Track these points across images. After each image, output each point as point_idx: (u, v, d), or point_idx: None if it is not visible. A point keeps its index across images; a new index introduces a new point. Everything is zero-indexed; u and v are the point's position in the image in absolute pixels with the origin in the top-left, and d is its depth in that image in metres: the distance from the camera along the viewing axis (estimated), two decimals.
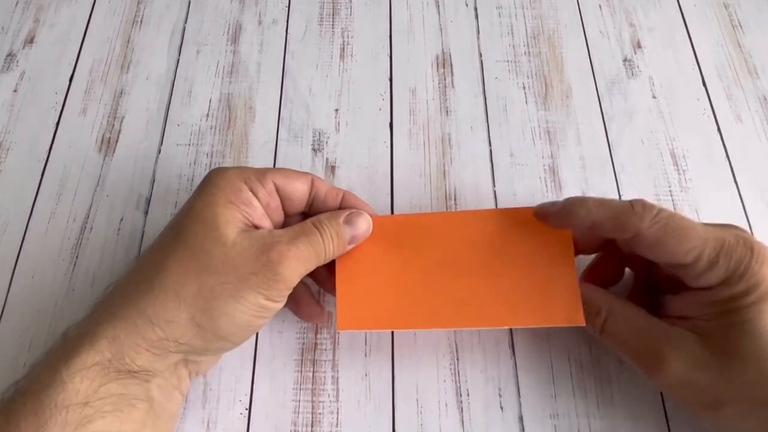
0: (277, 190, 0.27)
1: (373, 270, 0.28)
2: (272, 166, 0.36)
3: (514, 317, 0.27)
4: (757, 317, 0.23)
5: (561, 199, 0.28)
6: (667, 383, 0.24)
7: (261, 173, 0.27)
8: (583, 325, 0.26)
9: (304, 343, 0.31)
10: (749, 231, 0.34)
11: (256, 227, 0.26)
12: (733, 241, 0.24)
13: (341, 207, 0.28)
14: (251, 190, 0.26)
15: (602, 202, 0.26)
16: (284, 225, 0.29)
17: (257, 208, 0.26)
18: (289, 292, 0.25)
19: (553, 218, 0.27)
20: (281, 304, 0.26)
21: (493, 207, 0.34)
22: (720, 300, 0.24)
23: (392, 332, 0.31)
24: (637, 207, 0.25)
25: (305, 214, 0.29)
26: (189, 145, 0.36)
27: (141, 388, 0.23)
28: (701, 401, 0.24)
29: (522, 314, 0.27)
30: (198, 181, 0.35)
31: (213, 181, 0.26)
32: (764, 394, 0.23)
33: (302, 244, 0.25)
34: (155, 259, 0.24)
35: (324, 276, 0.30)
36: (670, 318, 0.26)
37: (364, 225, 0.28)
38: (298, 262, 0.25)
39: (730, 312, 0.23)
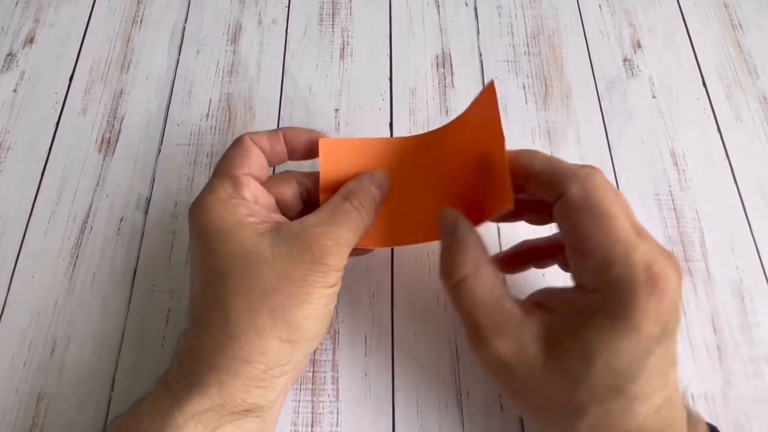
0: (251, 176, 0.26)
1: None
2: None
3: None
4: (604, 345, 0.21)
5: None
6: (488, 361, 0.23)
7: (229, 178, 0.26)
8: (512, 207, 0.23)
9: None
10: (749, 229, 0.34)
11: (275, 221, 0.25)
12: (642, 262, 0.21)
13: (288, 147, 0.28)
14: (243, 198, 0.25)
15: (549, 157, 0.25)
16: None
17: (258, 210, 0.26)
18: (342, 272, 0.25)
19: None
20: (340, 284, 0.26)
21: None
22: (586, 306, 0.22)
23: (392, 332, 0.31)
24: (580, 172, 0.23)
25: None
26: (189, 145, 0.36)
27: (254, 424, 0.24)
28: (506, 388, 0.24)
29: (471, 215, 0.26)
30: (198, 181, 0.35)
31: (205, 218, 0.25)
32: (554, 411, 0.22)
33: (341, 228, 0.25)
34: (217, 307, 0.24)
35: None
36: (531, 299, 0.25)
37: (387, 182, 0.28)
38: (341, 246, 0.24)
39: (587, 324, 0.21)
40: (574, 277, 0.24)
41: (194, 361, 0.23)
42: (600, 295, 0.22)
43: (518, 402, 0.25)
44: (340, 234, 0.25)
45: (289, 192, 0.28)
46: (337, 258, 0.24)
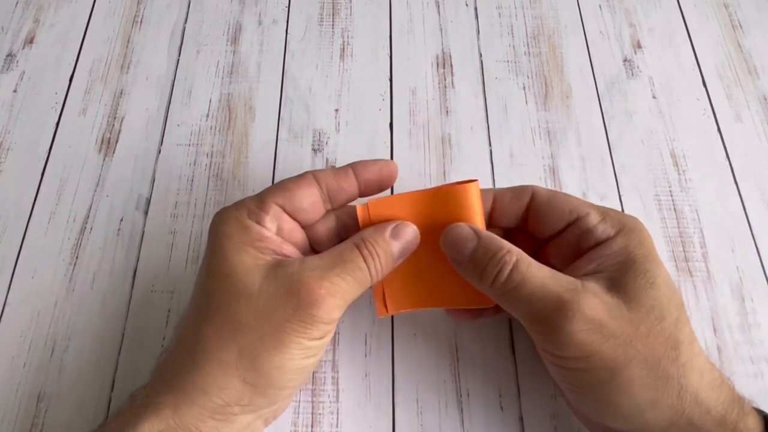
0: (283, 209, 0.25)
1: None
2: (272, 167, 0.36)
3: (454, 300, 0.27)
4: (656, 269, 0.24)
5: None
6: (578, 332, 0.22)
7: (259, 201, 0.25)
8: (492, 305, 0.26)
9: None
10: (749, 229, 0.34)
11: (286, 255, 0.24)
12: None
13: (360, 182, 0.27)
14: (258, 223, 0.24)
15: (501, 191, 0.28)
16: (327, 224, 0.28)
17: (273, 239, 0.24)
18: (335, 325, 0.24)
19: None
20: (329, 337, 0.24)
21: None
22: (621, 248, 0.24)
23: (392, 332, 0.31)
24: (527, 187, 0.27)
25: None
26: (189, 145, 0.36)
27: None
28: (605, 359, 0.22)
29: (455, 297, 0.27)
30: (198, 181, 0.35)
31: (217, 230, 0.24)
32: (659, 350, 0.22)
33: (338, 276, 0.23)
34: (192, 328, 0.23)
35: None
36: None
37: (411, 235, 0.25)
38: (334, 298, 0.22)
39: (633, 261, 0.24)
40: (591, 238, 0.25)
41: (160, 379, 0.23)
42: (621, 233, 0.25)
43: (611, 378, 0.22)
44: (335, 283, 0.23)
45: (322, 228, 0.27)
46: (327, 309, 0.22)
